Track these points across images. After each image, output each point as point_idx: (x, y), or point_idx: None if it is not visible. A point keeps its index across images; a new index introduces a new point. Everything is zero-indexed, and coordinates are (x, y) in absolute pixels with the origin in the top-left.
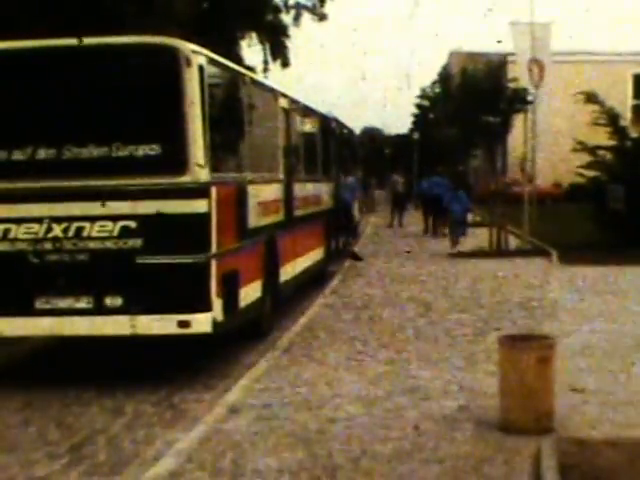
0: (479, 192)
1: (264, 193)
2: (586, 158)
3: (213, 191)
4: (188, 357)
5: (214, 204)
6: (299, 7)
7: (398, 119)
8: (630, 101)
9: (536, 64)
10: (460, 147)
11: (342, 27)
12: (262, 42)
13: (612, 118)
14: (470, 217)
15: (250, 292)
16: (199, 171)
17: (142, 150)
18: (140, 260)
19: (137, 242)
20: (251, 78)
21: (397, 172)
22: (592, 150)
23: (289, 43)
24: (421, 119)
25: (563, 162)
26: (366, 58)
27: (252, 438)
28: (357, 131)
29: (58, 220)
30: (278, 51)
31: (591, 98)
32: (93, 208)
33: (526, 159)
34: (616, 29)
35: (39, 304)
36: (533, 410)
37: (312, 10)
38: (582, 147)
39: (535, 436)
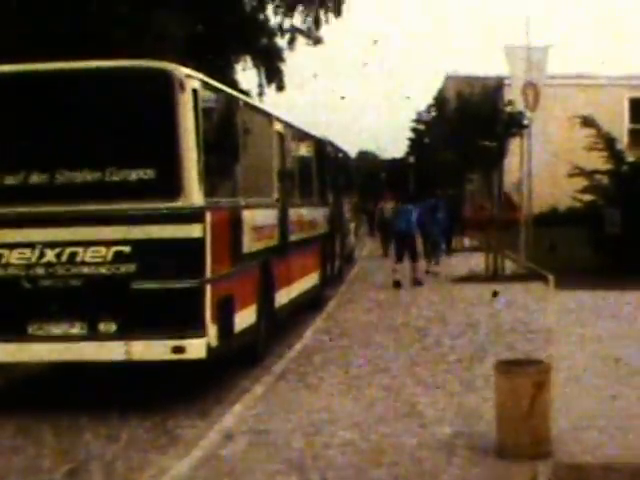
0: (472, 217)
1: (259, 217)
2: (583, 182)
3: (207, 216)
4: (183, 382)
5: (208, 229)
6: (294, 31)
7: (393, 143)
8: (627, 125)
9: (531, 88)
10: (456, 171)
11: (337, 50)
12: (257, 66)
13: (608, 142)
14: (467, 242)
15: (245, 317)
16: (193, 196)
17: (136, 174)
18: (134, 285)
19: (131, 267)
20: (245, 102)
21: (386, 198)
22: (589, 174)
23: (284, 67)
24: (417, 143)
25: (559, 186)
26: (361, 80)
27: (247, 464)
28: (352, 155)
29: (51, 245)
30: (273, 75)
31: (587, 122)
32: (87, 233)
33: (520, 185)
34: (613, 53)
35: (32, 330)
36: (530, 435)
37: (307, 34)
38: (579, 171)
39: (532, 461)
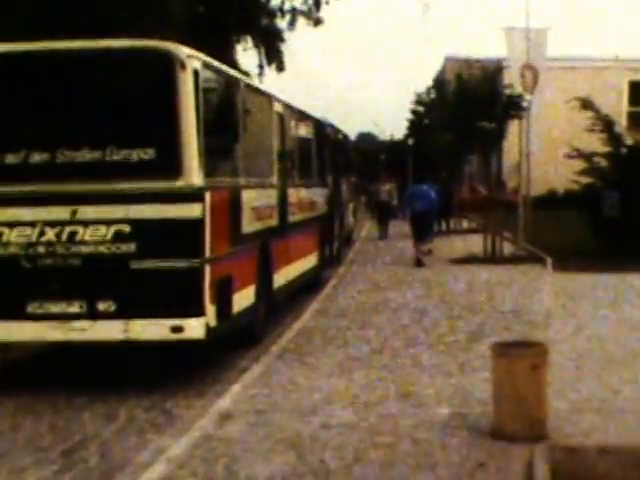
0: (469, 199)
1: (258, 198)
2: (581, 165)
3: (207, 196)
4: (181, 363)
5: (208, 209)
6: (294, 12)
7: (393, 124)
8: (625, 108)
9: (529, 70)
10: (455, 153)
11: (338, 32)
12: (257, 46)
13: (607, 125)
14: (465, 224)
15: (243, 298)
16: (193, 176)
17: (136, 154)
18: (133, 265)
19: (130, 247)
20: (246, 82)
21: (384, 180)
22: (587, 156)
23: (284, 47)
24: (416, 124)
25: (558, 168)
26: (361, 62)
27: (244, 444)
28: (352, 136)
29: (51, 224)
30: (273, 55)
31: (586, 105)
32: (87, 212)
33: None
34: (613, 36)
35: (31, 309)
36: (526, 417)
37: (307, 15)
38: (577, 153)
39: (528, 443)
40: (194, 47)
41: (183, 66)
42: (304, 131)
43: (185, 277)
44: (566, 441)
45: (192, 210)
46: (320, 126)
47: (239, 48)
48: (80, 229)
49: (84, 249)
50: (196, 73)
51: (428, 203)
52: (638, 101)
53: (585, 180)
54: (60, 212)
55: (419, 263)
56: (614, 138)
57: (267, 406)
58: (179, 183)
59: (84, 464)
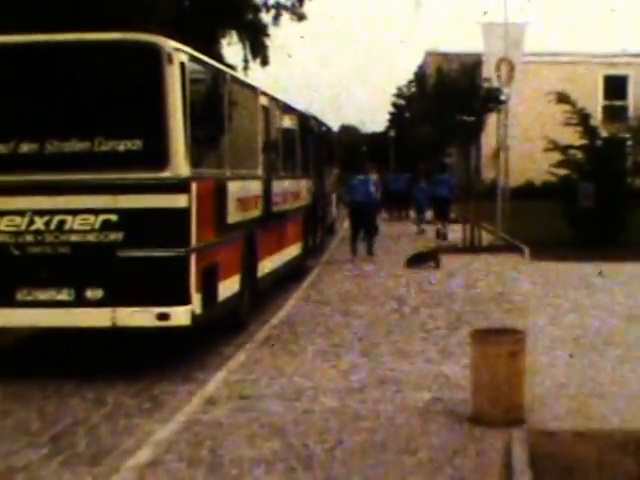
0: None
1: (243, 189)
2: (558, 157)
3: (193, 186)
4: (167, 349)
5: (194, 199)
6: (279, 7)
7: (375, 117)
8: (601, 101)
9: (505, 64)
10: (435, 145)
11: (321, 25)
12: (242, 41)
13: (583, 118)
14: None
15: (229, 286)
16: (180, 166)
17: (124, 145)
18: (121, 253)
19: (118, 235)
20: (232, 76)
21: (369, 170)
22: (563, 149)
23: (269, 42)
24: (397, 117)
25: (535, 161)
26: (343, 55)
27: (229, 429)
28: (335, 128)
29: (40, 213)
30: (258, 50)
31: (563, 98)
32: (75, 201)
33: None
34: (588, 31)
35: (20, 296)
36: (504, 402)
37: (291, 10)
38: (554, 146)
39: (506, 428)
40: (180, 41)
41: (170, 59)
42: (288, 123)
43: (171, 266)
44: (543, 425)
45: (178, 200)
46: (304, 118)
47: (224, 42)
48: (69, 218)
49: (72, 238)
50: (183, 66)
51: (449, 190)
52: (613, 95)
53: (561, 172)
54: (49, 201)
55: (444, 237)
56: (589, 131)
57: (252, 392)
58: (166, 174)
59: (73, 448)
